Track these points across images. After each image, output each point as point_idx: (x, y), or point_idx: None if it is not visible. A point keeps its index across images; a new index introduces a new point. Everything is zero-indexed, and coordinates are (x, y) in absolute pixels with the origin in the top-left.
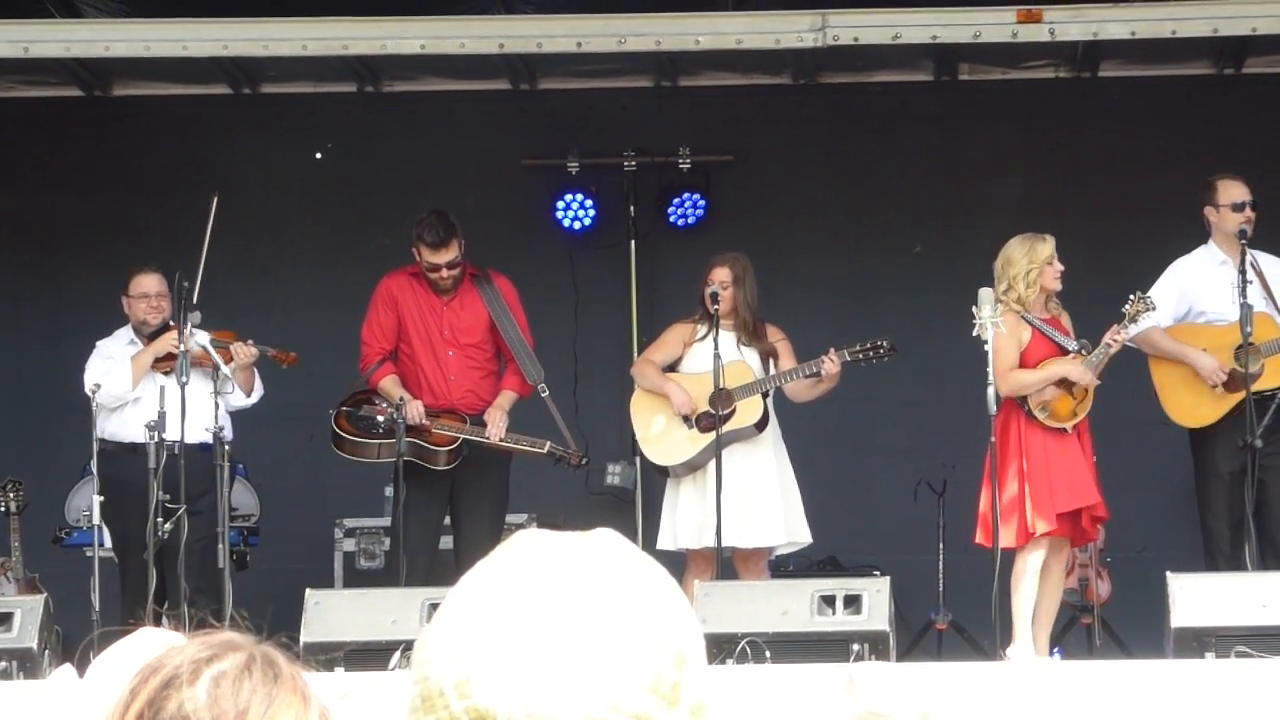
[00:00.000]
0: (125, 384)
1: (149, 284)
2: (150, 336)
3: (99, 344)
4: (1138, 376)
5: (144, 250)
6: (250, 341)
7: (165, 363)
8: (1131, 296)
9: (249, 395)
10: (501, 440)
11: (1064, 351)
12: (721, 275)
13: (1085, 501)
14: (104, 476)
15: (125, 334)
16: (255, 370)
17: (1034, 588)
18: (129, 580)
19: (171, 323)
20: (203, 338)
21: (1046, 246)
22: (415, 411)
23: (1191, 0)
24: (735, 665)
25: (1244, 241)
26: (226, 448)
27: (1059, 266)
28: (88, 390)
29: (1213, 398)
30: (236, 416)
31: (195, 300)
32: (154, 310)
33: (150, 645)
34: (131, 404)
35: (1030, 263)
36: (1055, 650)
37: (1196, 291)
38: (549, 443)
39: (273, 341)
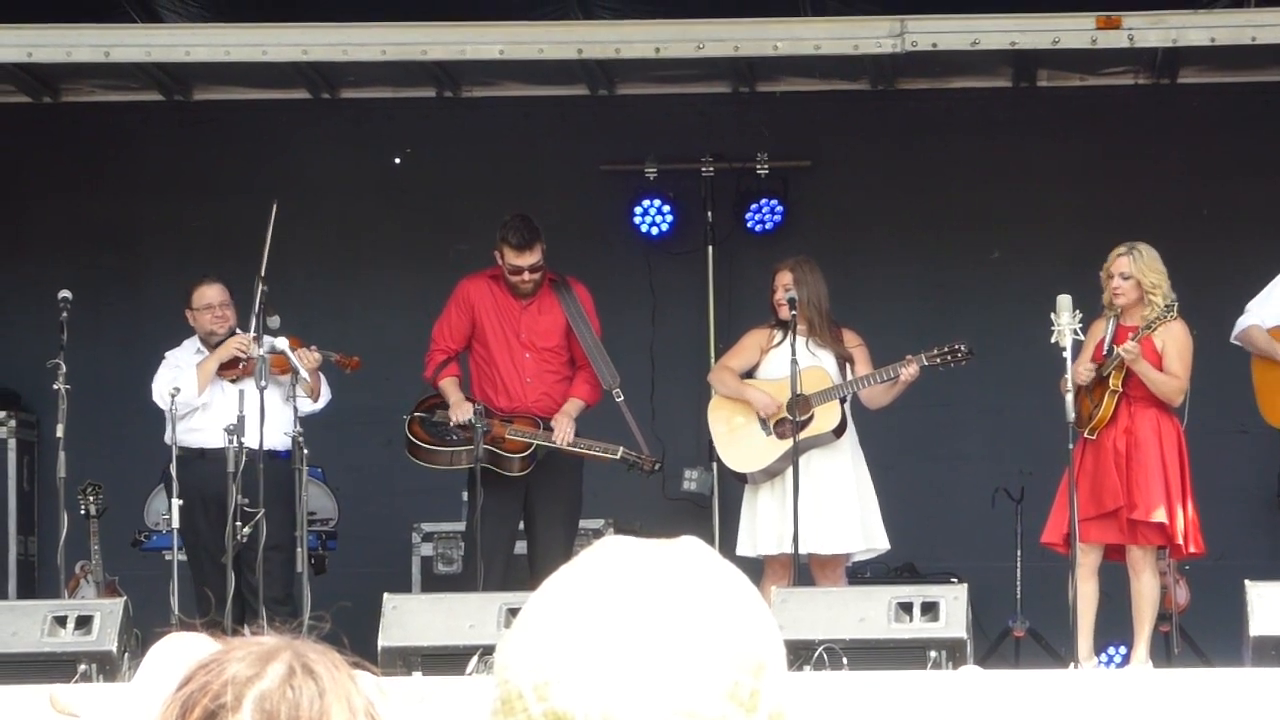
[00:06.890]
0: (190, 391)
1: (211, 294)
2: (217, 345)
3: (167, 355)
4: (1217, 384)
5: (222, 255)
6: (314, 347)
7: (230, 370)
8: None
9: (315, 401)
10: (573, 445)
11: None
12: (784, 279)
13: (1101, 508)
14: (180, 483)
15: (192, 344)
16: (322, 376)
17: (1083, 596)
18: (209, 585)
19: (238, 330)
20: (282, 343)
21: (1111, 259)
22: (461, 412)
23: (1272, 7)
24: (812, 672)
25: None
26: (305, 452)
27: (1118, 282)
28: (157, 399)
29: None
30: (308, 422)
31: (260, 306)
32: (220, 320)
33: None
34: (201, 410)
35: (1104, 272)
36: (1106, 659)
37: None
38: (622, 448)
39: (350, 346)
